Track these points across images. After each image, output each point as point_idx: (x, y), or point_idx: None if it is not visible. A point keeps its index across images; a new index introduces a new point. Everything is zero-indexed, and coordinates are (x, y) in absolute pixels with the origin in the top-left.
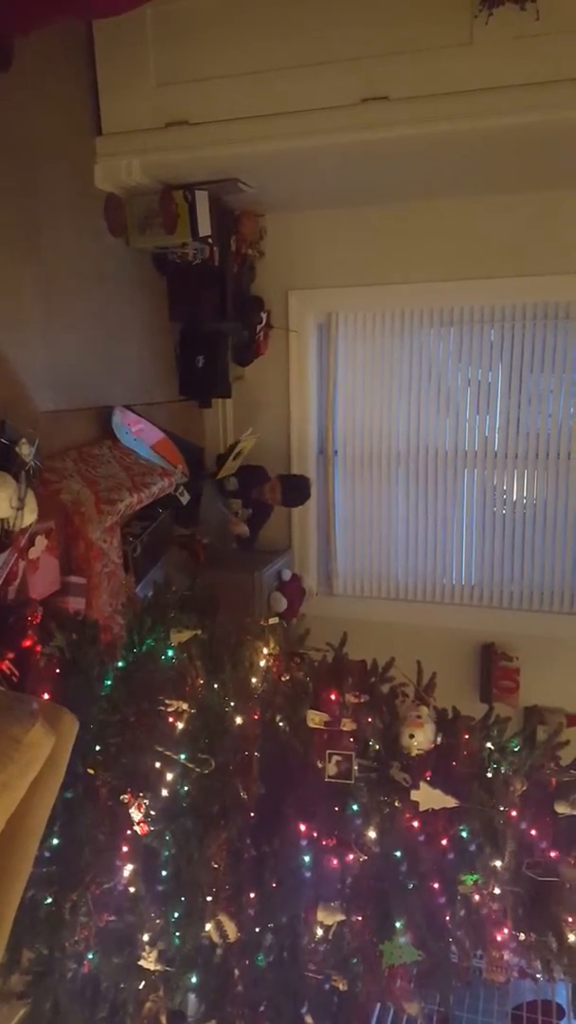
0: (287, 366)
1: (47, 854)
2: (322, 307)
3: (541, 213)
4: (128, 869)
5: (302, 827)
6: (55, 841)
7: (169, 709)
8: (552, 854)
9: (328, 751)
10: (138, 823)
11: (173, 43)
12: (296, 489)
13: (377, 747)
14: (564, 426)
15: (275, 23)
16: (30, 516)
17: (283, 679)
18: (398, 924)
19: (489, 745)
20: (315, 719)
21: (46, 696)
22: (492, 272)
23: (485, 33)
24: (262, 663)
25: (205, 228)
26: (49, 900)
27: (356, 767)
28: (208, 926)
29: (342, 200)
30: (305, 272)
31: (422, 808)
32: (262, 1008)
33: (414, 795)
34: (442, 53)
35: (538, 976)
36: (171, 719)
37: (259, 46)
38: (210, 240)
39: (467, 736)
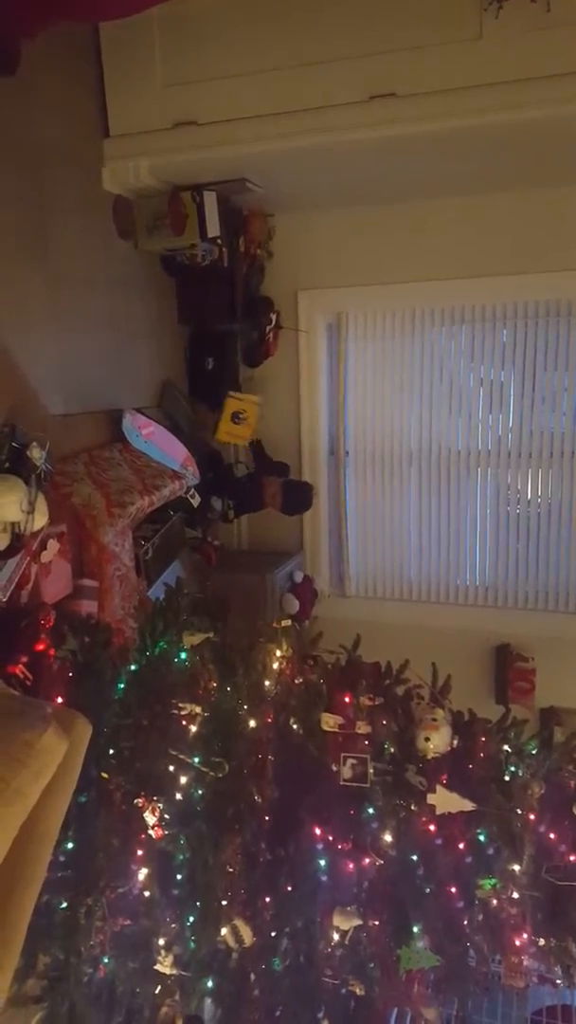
0: (297, 367)
1: (62, 859)
2: (332, 307)
3: (552, 209)
4: (143, 873)
5: (317, 831)
6: (70, 845)
7: (182, 712)
8: (572, 858)
9: (343, 754)
10: (152, 827)
11: (180, 44)
12: (297, 498)
13: (392, 750)
14: None
15: (282, 22)
16: (41, 519)
17: (296, 682)
18: (415, 929)
19: (506, 747)
20: (329, 722)
21: (59, 700)
22: (504, 269)
23: (494, 27)
24: (275, 666)
25: (214, 229)
26: (64, 905)
27: (371, 770)
28: (224, 930)
29: (351, 199)
30: (314, 272)
31: (439, 812)
32: (278, 1013)
33: (430, 798)
34: (451, 48)
35: (558, 981)
36: (184, 722)
37: (266, 45)
38: (219, 241)
39: (483, 739)
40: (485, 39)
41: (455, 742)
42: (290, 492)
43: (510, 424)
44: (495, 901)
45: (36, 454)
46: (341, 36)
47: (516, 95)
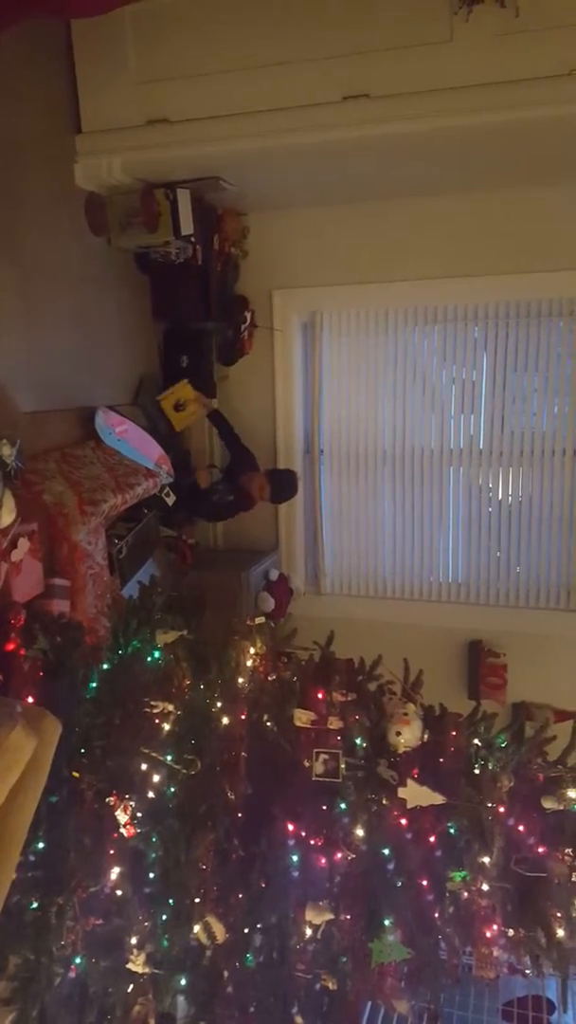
0: (272, 366)
1: (32, 858)
2: (306, 306)
3: (523, 210)
4: (115, 872)
5: (290, 826)
6: (40, 845)
7: (155, 710)
8: (540, 849)
9: (315, 750)
10: (124, 825)
11: (153, 41)
12: (284, 485)
13: (364, 745)
14: (548, 424)
15: (255, 21)
16: (7, 516)
17: (270, 678)
18: (387, 922)
19: (476, 741)
20: (302, 718)
21: (30, 699)
22: (476, 270)
23: (465, 30)
24: (249, 663)
25: (187, 227)
26: (35, 905)
27: (343, 765)
28: (196, 928)
29: (325, 198)
30: (289, 271)
31: (410, 805)
32: (252, 1009)
33: (402, 792)
34: (423, 50)
35: (528, 972)
36: (157, 720)
37: (239, 44)
38: (193, 239)
39: (454, 733)
40: (456, 42)
41: (426, 736)
42: (276, 481)
43: (482, 423)
44: (465, 893)
45: (6, 451)
46: (314, 36)
47: (486, 97)
